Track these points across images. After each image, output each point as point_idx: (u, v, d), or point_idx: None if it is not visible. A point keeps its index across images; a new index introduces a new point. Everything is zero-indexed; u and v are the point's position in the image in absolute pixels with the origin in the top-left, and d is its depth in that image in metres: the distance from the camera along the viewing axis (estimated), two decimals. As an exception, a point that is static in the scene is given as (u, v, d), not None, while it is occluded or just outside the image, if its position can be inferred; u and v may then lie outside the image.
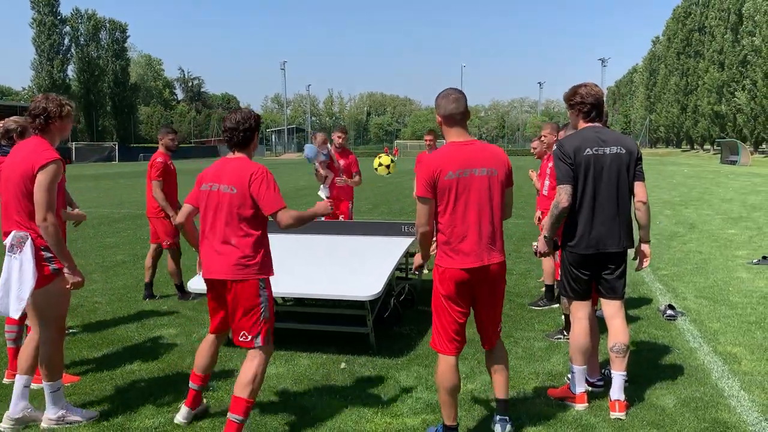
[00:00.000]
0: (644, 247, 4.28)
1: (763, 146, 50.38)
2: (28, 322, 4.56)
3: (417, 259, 3.89)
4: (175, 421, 3.93)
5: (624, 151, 4.07)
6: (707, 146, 63.67)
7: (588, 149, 4.02)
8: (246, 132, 3.72)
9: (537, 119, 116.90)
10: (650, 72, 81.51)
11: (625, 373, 4.15)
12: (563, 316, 5.92)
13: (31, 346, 3.93)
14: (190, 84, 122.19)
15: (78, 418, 3.96)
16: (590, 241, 4.06)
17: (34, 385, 4.14)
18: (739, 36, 49.61)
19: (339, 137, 8.14)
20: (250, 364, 3.62)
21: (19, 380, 3.90)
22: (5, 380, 4.66)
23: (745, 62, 48.48)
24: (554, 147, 4.20)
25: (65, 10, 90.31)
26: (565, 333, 5.59)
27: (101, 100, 79.73)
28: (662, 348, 5.33)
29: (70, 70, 78.29)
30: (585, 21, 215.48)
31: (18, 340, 4.71)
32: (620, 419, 3.99)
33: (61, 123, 3.83)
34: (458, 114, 3.53)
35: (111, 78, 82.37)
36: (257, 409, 4.16)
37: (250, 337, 3.62)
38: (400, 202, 18.56)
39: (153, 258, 7.18)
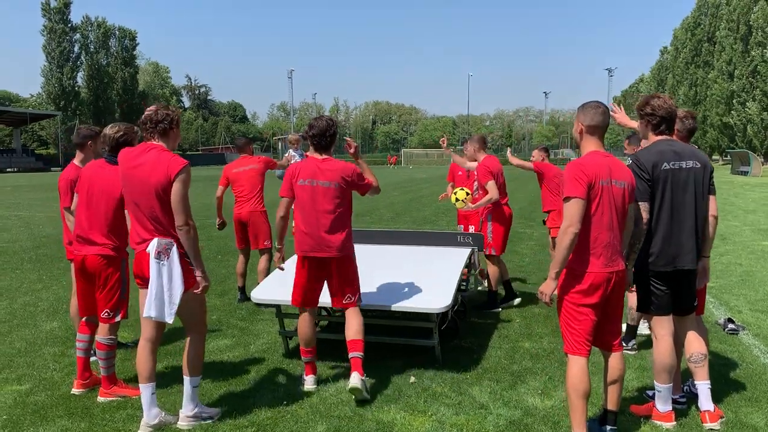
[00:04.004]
0: (705, 261, 4.21)
1: (773, 157, 50.26)
2: (97, 335, 4.52)
3: (548, 285, 3.62)
4: (306, 389, 4.59)
5: (699, 165, 4.01)
6: (715, 156, 63.57)
7: (665, 164, 3.94)
8: (332, 137, 4.65)
9: (543, 129, 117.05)
10: (658, 82, 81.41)
11: (708, 382, 4.10)
12: (625, 325, 5.80)
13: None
14: (197, 92, 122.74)
15: (212, 415, 4.11)
16: (668, 258, 3.97)
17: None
18: (748, 47, 49.58)
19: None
20: (357, 316, 4.63)
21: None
22: (74, 390, 4.60)
23: (755, 73, 48.44)
24: (629, 161, 4.12)
25: (75, 17, 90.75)
26: (624, 343, 5.47)
27: (110, 107, 79.96)
28: (733, 363, 5.24)
29: (80, 77, 78.66)
30: (591, 31, 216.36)
31: (88, 351, 4.65)
32: (714, 430, 3.92)
33: (177, 130, 3.95)
34: (603, 126, 3.67)
35: (120, 85, 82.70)
36: (341, 424, 4.09)
37: (354, 298, 4.65)
38: (422, 210, 18.50)
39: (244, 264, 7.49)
